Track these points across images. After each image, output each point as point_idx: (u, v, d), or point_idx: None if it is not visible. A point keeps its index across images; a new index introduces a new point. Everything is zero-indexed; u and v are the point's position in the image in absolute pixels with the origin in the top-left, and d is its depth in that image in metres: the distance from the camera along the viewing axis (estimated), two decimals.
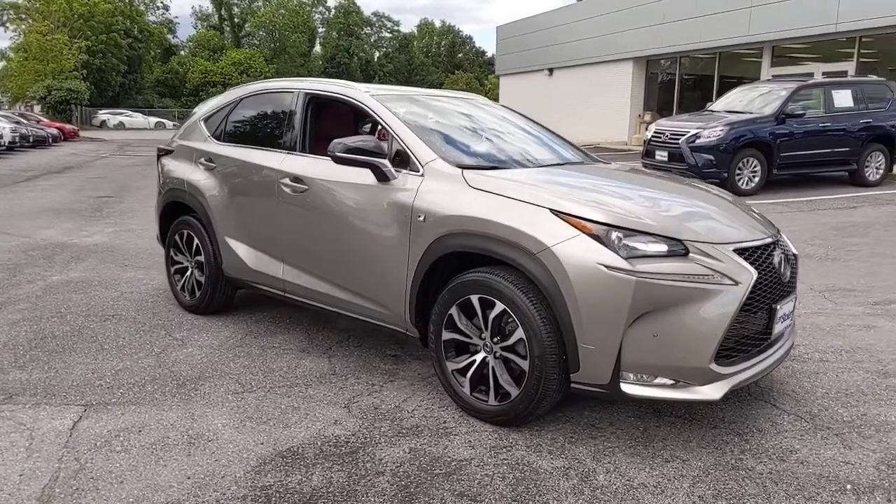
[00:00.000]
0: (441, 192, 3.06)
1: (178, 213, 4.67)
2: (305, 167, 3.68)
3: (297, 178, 3.67)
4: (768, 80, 12.32)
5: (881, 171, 10.94)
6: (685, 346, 2.57)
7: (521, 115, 4.43)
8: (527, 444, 2.79)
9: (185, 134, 4.73)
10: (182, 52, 68.45)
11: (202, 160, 4.39)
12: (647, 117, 19.99)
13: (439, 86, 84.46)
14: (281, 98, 4.09)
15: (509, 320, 2.81)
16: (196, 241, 4.45)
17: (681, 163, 10.11)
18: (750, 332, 2.75)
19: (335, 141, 3.30)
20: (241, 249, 4.11)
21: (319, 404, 3.18)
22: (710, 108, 11.51)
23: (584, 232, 2.62)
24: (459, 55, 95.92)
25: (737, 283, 2.61)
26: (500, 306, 2.82)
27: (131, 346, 3.93)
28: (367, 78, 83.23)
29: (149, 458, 2.64)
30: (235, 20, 72.62)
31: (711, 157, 9.79)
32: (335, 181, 3.49)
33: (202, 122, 4.60)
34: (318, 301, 3.71)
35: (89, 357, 3.73)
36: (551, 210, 2.72)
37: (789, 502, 2.38)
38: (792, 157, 10.16)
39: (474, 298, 2.91)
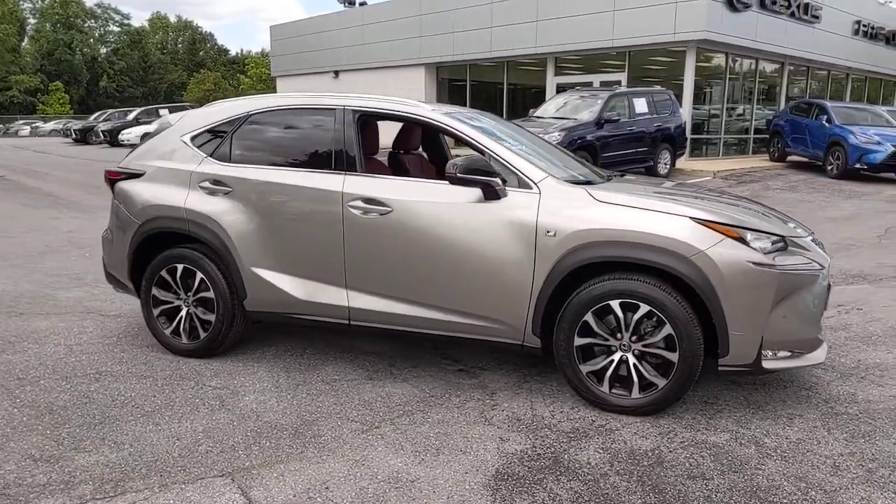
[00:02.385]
0: (568, 207, 3.25)
1: (161, 246, 4.09)
2: (381, 188, 3.55)
3: (371, 200, 3.53)
4: (579, 88, 13.99)
5: (668, 166, 13.19)
6: (803, 321, 3.16)
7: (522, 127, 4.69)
8: (682, 427, 3.15)
9: (162, 154, 4.14)
10: None
11: (205, 183, 3.92)
12: None
13: (182, 85, 78.57)
14: (317, 115, 3.84)
15: (653, 319, 3.13)
16: (199, 275, 3.95)
17: None
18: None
19: (450, 162, 3.29)
20: (280, 280, 3.78)
21: (461, 426, 3.17)
22: (535, 115, 12.76)
23: (728, 236, 3.05)
24: (201, 53, 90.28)
25: (823, 267, 3.26)
26: (644, 307, 3.12)
27: (177, 403, 3.41)
28: (95, 76, 74.21)
29: None
30: None
31: None
32: (429, 201, 3.45)
33: (188, 141, 4.08)
34: (400, 325, 3.61)
35: (147, 424, 3.18)
36: (691, 218, 3.10)
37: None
38: (610, 157, 11.77)
39: (614, 303, 3.17)
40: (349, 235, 3.60)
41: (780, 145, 15.98)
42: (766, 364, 3.13)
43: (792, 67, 19.27)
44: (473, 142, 3.54)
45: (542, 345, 3.39)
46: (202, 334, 4.01)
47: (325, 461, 2.84)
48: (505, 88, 20.39)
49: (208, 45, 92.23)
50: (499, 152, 3.47)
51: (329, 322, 3.78)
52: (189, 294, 4.02)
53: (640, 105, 12.48)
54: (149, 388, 3.60)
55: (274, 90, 37.70)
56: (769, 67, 18.62)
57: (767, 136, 17.41)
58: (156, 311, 4.11)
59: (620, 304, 3.17)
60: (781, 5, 16.40)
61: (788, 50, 17.40)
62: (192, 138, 4.09)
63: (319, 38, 26.48)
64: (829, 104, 14.81)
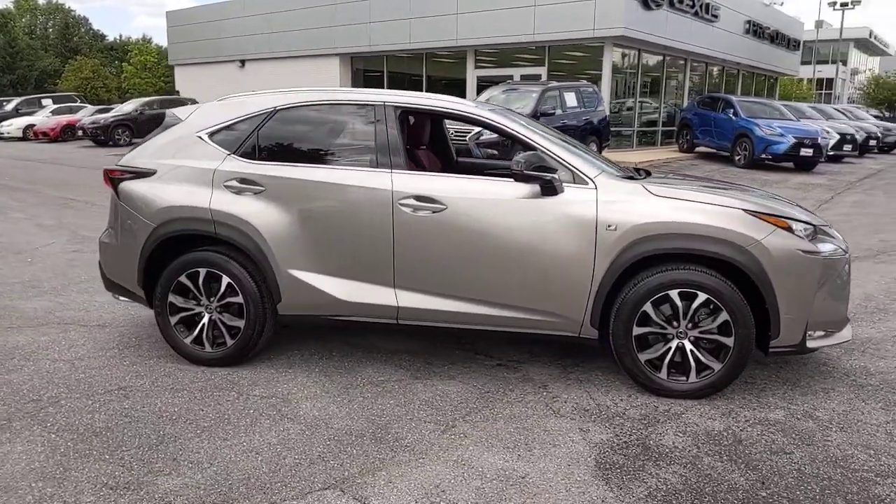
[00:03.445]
0: (627, 202, 3.36)
1: (177, 251, 3.83)
2: (433, 186, 3.51)
3: (424, 198, 3.48)
4: (510, 83, 14.23)
5: None
6: (837, 302, 3.46)
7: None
8: (739, 406, 3.36)
9: (175, 151, 3.86)
10: None
11: (231, 182, 3.70)
12: None
13: (56, 73, 72.37)
14: (354, 110, 3.74)
15: (709, 306, 3.31)
16: (226, 279, 3.74)
17: (467, 157, 11.19)
18: None
19: (515, 159, 3.31)
20: (321, 282, 3.65)
21: (535, 419, 3.22)
22: None
23: (777, 226, 3.28)
24: (75, 38, 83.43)
25: (846, 252, 3.57)
26: (702, 296, 3.30)
27: (231, 416, 3.23)
28: None
29: None
30: None
31: (495, 152, 11.10)
32: (484, 199, 3.45)
33: (206, 138, 3.84)
34: (453, 322, 3.60)
35: (213, 440, 2.99)
36: (744, 210, 3.30)
37: None
38: None
39: (673, 293, 3.33)
40: (399, 234, 3.53)
41: (688, 137, 17.07)
42: (810, 343, 3.40)
43: (690, 62, 20.59)
44: (524, 139, 3.57)
45: (598, 336, 3.50)
46: (230, 342, 3.80)
47: (425, 464, 2.80)
48: (423, 81, 20.40)
49: (83, 30, 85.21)
50: (551, 149, 3.52)
51: (375, 321, 3.70)
52: (213, 300, 3.80)
53: (571, 99, 12.92)
54: (190, 402, 3.38)
55: (168, 79, 35.57)
56: (675, 63, 19.80)
57: (674, 128, 18.54)
58: (173, 320, 3.85)
59: (679, 294, 3.33)
60: (687, 4, 17.49)
61: (691, 46, 18.59)
62: (211, 135, 3.84)
63: (222, 25, 25.30)
64: (734, 99, 15.99)
